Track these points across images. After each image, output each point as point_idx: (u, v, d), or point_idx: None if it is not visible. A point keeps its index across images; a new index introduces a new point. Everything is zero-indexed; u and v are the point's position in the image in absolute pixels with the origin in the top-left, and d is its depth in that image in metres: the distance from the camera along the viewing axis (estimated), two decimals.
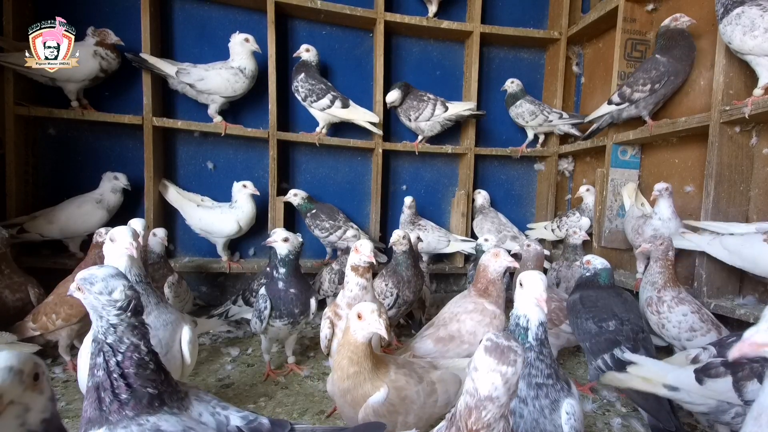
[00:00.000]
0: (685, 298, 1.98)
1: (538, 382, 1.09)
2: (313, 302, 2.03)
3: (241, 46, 2.88)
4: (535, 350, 1.12)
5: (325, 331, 1.68)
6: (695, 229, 2.31)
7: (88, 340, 1.39)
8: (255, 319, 1.98)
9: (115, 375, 0.94)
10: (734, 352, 0.85)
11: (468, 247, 3.32)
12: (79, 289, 1.01)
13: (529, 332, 1.13)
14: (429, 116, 3.20)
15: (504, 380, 0.77)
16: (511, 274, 2.63)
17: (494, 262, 1.86)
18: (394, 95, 3.15)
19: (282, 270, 1.94)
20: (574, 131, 3.37)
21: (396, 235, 2.33)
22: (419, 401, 1.32)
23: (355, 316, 1.27)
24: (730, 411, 1.34)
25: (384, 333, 1.22)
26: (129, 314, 1.00)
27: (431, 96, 3.22)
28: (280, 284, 1.95)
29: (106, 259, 1.49)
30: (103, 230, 2.22)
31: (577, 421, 1.09)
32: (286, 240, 1.93)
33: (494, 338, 0.81)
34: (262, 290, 1.99)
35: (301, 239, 2.05)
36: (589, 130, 2.94)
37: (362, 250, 1.64)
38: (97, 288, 0.99)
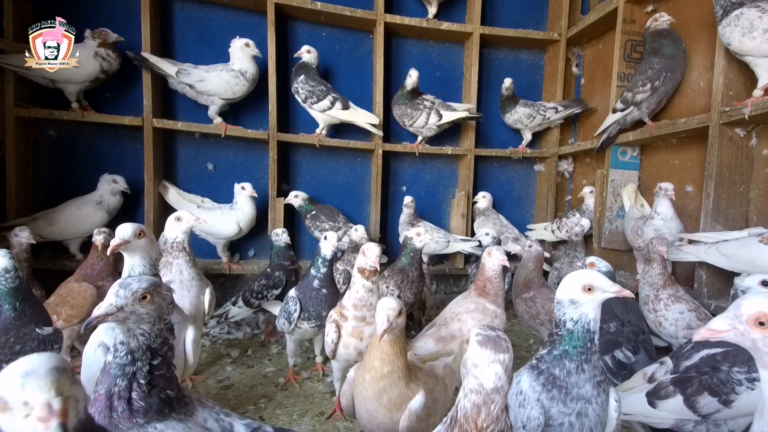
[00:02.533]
0: (682, 297, 1.99)
1: (599, 380, 1.08)
2: None
3: (241, 51, 2.88)
4: (598, 352, 1.10)
5: (331, 335, 1.66)
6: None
7: (92, 342, 1.39)
8: (283, 320, 2.00)
9: (141, 380, 0.91)
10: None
11: (468, 246, 3.32)
12: (145, 297, 0.93)
13: (595, 336, 1.08)
14: (422, 125, 3.22)
15: (504, 368, 0.78)
16: (512, 275, 2.63)
17: (489, 260, 1.90)
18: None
19: (323, 270, 1.97)
20: (575, 111, 3.42)
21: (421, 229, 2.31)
22: (441, 399, 1.34)
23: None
24: (688, 423, 1.35)
25: (378, 331, 1.23)
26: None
27: (427, 103, 3.20)
28: (315, 282, 1.96)
29: (130, 254, 1.46)
30: (96, 230, 2.22)
31: (621, 407, 1.13)
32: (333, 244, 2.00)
33: (482, 332, 0.82)
34: (292, 292, 1.99)
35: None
36: (601, 141, 2.94)
37: (369, 255, 1.63)
38: (166, 287, 0.99)
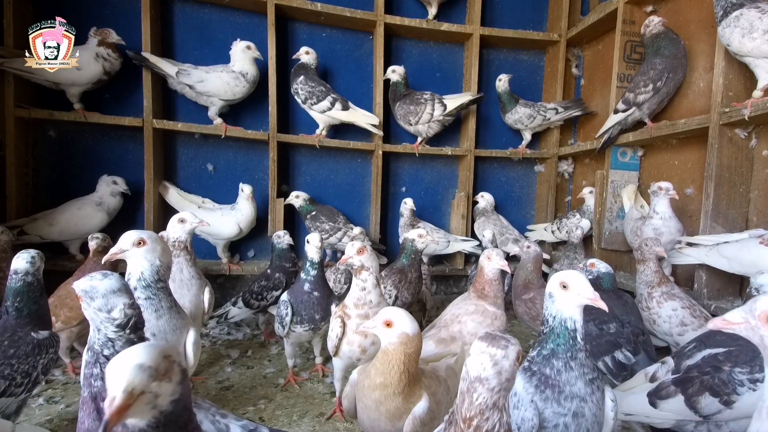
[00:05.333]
0: (676, 294, 1.99)
1: (590, 378, 1.09)
2: (333, 308, 2.01)
3: (242, 53, 2.89)
4: (584, 349, 1.11)
5: (336, 330, 1.68)
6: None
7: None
8: (277, 324, 2.01)
9: None
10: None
11: (468, 246, 3.32)
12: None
13: (577, 334, 1.11)
14: (428, 119, 3.19)
15: (493, 361, 0.80)
16: (511, 276, 2.63)
17: (488, 264, 1.90)
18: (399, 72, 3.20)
19: (312, 272, 1.96)
20: (575, 113, 3.42)
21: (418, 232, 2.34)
22: (444, 401, 1.34)
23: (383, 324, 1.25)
24: (690, 424, 1.34)
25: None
26: (128, 331, 0.98)
27: (427, 95, 3.19)
28: (306, 286, 1.95)
29: (134, 258, 1.45)
30: (90, 236, 2.24)
31: (618, 407, 1.13)
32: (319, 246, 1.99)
33: (490, 332, 0.86)
34: (284, 296, 1.99)
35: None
36: (602, 142, 2.93)
37: (346, 251, 1.67)
38: (96, 304, 0.97)
